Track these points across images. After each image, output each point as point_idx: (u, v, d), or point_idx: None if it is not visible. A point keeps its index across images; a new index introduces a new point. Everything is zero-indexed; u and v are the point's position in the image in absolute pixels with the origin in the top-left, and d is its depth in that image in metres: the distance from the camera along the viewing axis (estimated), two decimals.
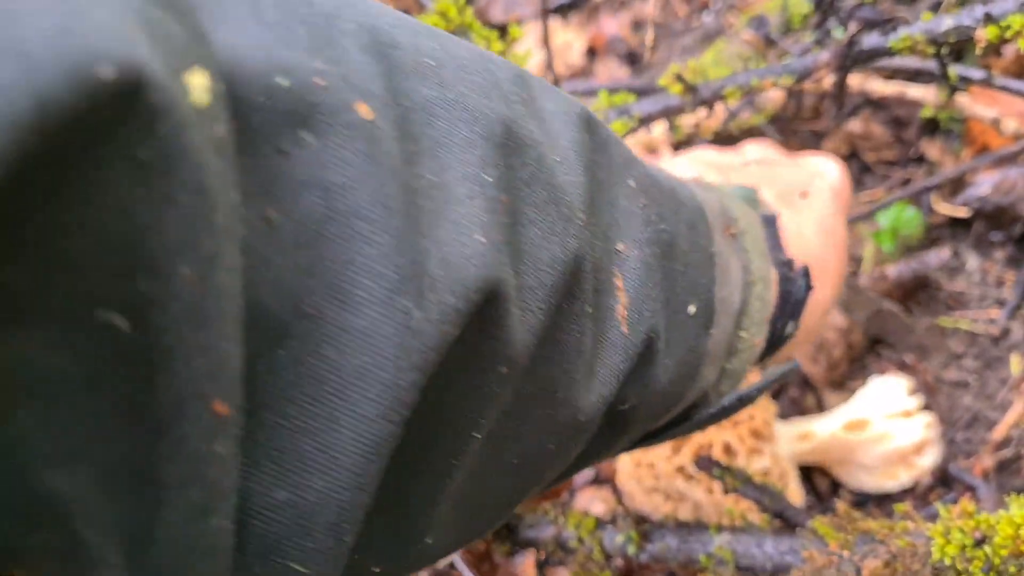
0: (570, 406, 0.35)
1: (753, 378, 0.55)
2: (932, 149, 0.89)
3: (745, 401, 0.50)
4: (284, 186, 0.24)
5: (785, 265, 0.53)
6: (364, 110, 0.26)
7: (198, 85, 0.21)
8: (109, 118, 0.18)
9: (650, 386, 0.40)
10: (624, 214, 0.38)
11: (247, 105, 0.24)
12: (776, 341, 0.54)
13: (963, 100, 0.81)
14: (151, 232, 0.19)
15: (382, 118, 0.27)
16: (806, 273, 0.54)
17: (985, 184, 0.81)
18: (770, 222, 0.54)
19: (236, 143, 0.23)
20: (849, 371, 0.84)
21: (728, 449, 0.73)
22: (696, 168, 0.61)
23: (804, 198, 0.58)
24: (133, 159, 0.19)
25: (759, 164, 0.62)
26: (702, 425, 0.50)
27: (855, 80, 0.84)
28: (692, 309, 0.43)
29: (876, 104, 0.91)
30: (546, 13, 0.60)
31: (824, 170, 0.61)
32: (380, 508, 0.29)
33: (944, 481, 0.77)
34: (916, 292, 0.84)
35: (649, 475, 0.76)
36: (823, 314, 0.59)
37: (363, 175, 0.26)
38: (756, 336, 0.50)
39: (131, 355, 0.20)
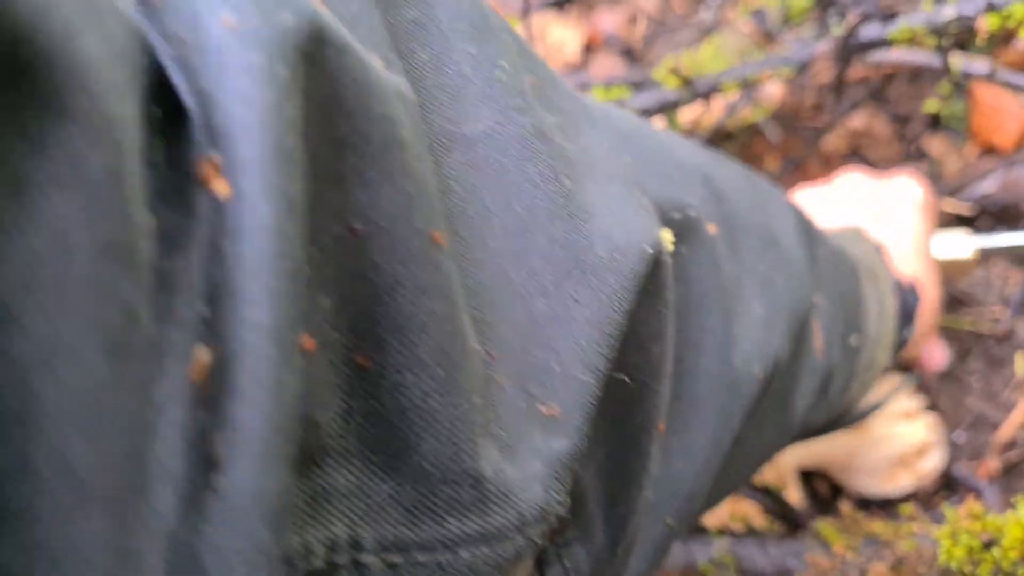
0: (788, 413, 0.47)
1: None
2: (935, 145, 0.88)
3: (877, 406, 0.66)
4: (681, 279, 0.37)
5: (897, 286, 0.65)
6: (712, 229, 0.38)
7: (667, 238, 0.33)
8: (647, 273, 0.31)
9: (828, 400, 0.53)
10: (818, 276, 0.50)
11: None
12: (899, 346, 0.66)
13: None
14: (643, 327, 0.32)
15: (719, 232, 0.39)
16: (912, 289, 0.66)
17: (990, 181, 0.79)
18: (880, 252, 0.66)
19: None
20: None
21: None
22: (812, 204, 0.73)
23: (893, 215, 0.69)
24: (644, 289, 0.31)
25: (854, 190, 0.73)
26: (845, 424, 0.64)
27: (859, 69, 0.83)
28: (853, 342, 0.55)
29: (879, 100, 0.90)
30: (528, 12, 0.59)
31: (904, 191, 0.70)
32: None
33: (948, 484, 0.75)
34: None
35: None
36: (933, 312, 0.69)
37: (710, 271, 0.38)
38: (882, 356, 0.63)
39: (623, 397, 0.32)
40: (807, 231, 0.50)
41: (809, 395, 0.49)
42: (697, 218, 0.37)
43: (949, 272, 0.73)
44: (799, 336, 0.45)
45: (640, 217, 0.32)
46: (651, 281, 0.31)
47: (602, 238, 0.30)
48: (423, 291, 0.24)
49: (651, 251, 0.31)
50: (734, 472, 0.45)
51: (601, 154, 0.33)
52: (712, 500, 0.46)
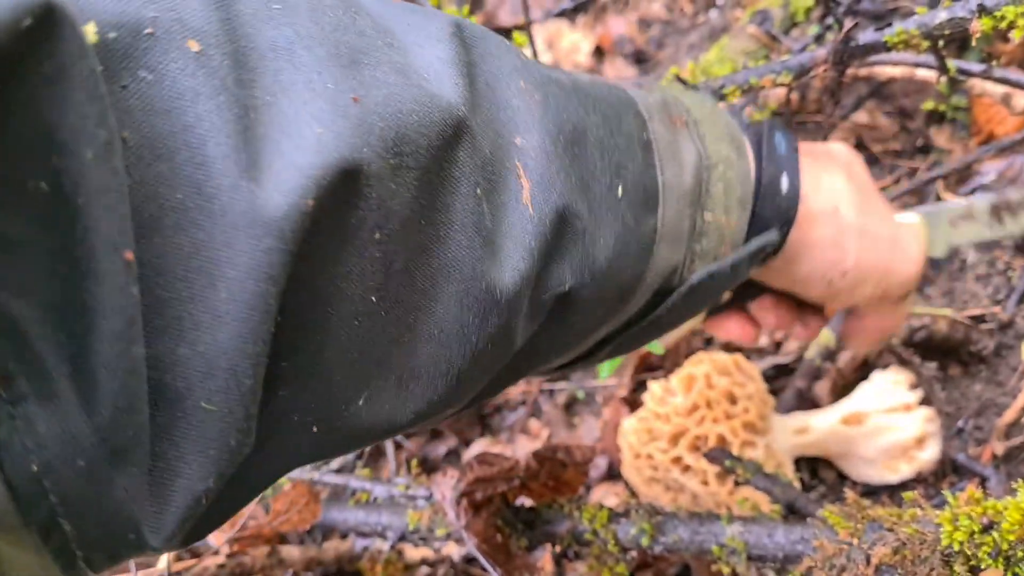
0: (482, 281, 0.40)
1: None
2: (940, 137, 0.90)
3: (718, 276, 0.53)
4: (133, 114, 0.31)
5: (753, 129, 0.56)
6: (194, 45, 0.32)
7: (90, 31, 0.29)
8: (27, 49, 0.26)
9: (588, 264, 0.45)
10: (517, 111, 0.43)
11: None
12: (776, 205, 0.55)
13: (972, 79, 0.81)
14: (59, 124, 0.27)
15: (215, 51, 0.33)
16: (780, 128, 0.56)
17: (990, 173, 0.81)
18: (735, 111, 0.58)
19: None
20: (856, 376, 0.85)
21: (722, 441, 0.75)
22: None
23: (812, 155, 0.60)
24: (43, 73, 0.26)
25: None
26: (679, 306, 0.53)
27: (862, 68, 0.85)
28: (620, 191, 0.46)
29: (882, 95, 0.92)
30: (529, 24, 0.61)
31: (836, 149, 0.63)
32: (301, 369, 0.36)
33: (955, 469, 0.77)
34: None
35: (647, 466, 0.78)
36: (849, 198, 0.58)
37: (196, 95, 0.32)
38: (724, 217, 0.53)
39: (56, 213, 0.28)
40: (469, 61, 0.42)
41: (523, 255, 0.42)
42: (159, 36, 0.32)
43: None
44: (446, 174, 0.39)
45: None
46: (45, 59, 0.27)
47: None
48: None
49: (27, 20, 0.25)
50: (421, 360, 0.40)
51: None
52: (397, 402, 0.40)
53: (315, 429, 0.38)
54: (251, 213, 0.31)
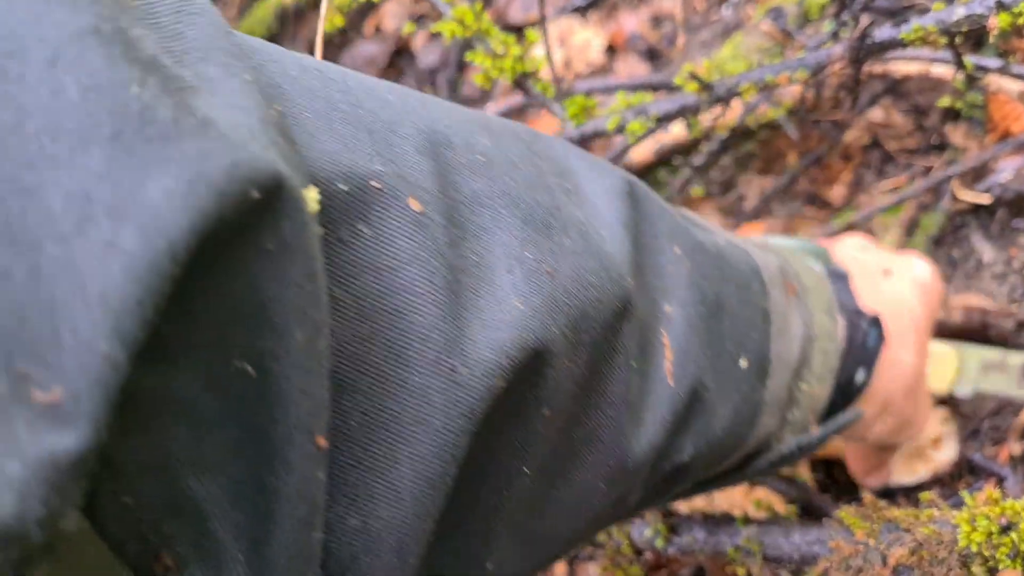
0: (619, 451, 0.40)
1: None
2: (956, 134, 0.89)
3: (805, 449, 0.54)
4: (345, 269, 0.30)
5: (854, 313, 0.57)
6: (415, 204, 0.32)
7: (311, 197, 0.27)
8: (251, 221, 0.24)
9: (706, 435, 0.45)
10: (670, 279, 0.43)
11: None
12: (847, 389, 0.57)
13: (989, 76, 0.80)
14: (273, 302, 0.25)
15: (431, 209, 0.32)
16: (876, 323, 0.57)
17: (1006, 171, 0.80)
18: (840, 276, 0.59)
19: None
20: None
21: None
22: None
23: (886, 276, 0.62)
24: (263, 249, 0.25)
25: (859, 249, 0.66)
26: (763, 471, 0.54)
27: (877, 65, 0.84)
28: (744, 363, 0.47)
29: (897, 92, 0.91)
30: (543, 21, 0.61)
31: (912, 263, 0.65)
32: (443, 534, 0.34)
33: (972, 469, 0.77)
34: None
35: None
36: (906, 381, 0.60)
37: (412, 258, 0.31)
38: (817, 387, 0.54)
39: (255, 394, 0.26)
40: (637, 223, 0.42)
41: (657, 429, 0.41)
42: (384, 191, 0.31)
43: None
44: (610, 347, 0.38)
45: (251, 146, 0.24)
46: (267, 234, 0.25)
47: (175, 163, 0.22)
48: None
49: (255, 193, 0.23)
50: (548, 525, 0.40)
51: (230, 91, 0.26)
52: (518, 563, 0.40)
53: None
54: (448, 392, 0.31)
